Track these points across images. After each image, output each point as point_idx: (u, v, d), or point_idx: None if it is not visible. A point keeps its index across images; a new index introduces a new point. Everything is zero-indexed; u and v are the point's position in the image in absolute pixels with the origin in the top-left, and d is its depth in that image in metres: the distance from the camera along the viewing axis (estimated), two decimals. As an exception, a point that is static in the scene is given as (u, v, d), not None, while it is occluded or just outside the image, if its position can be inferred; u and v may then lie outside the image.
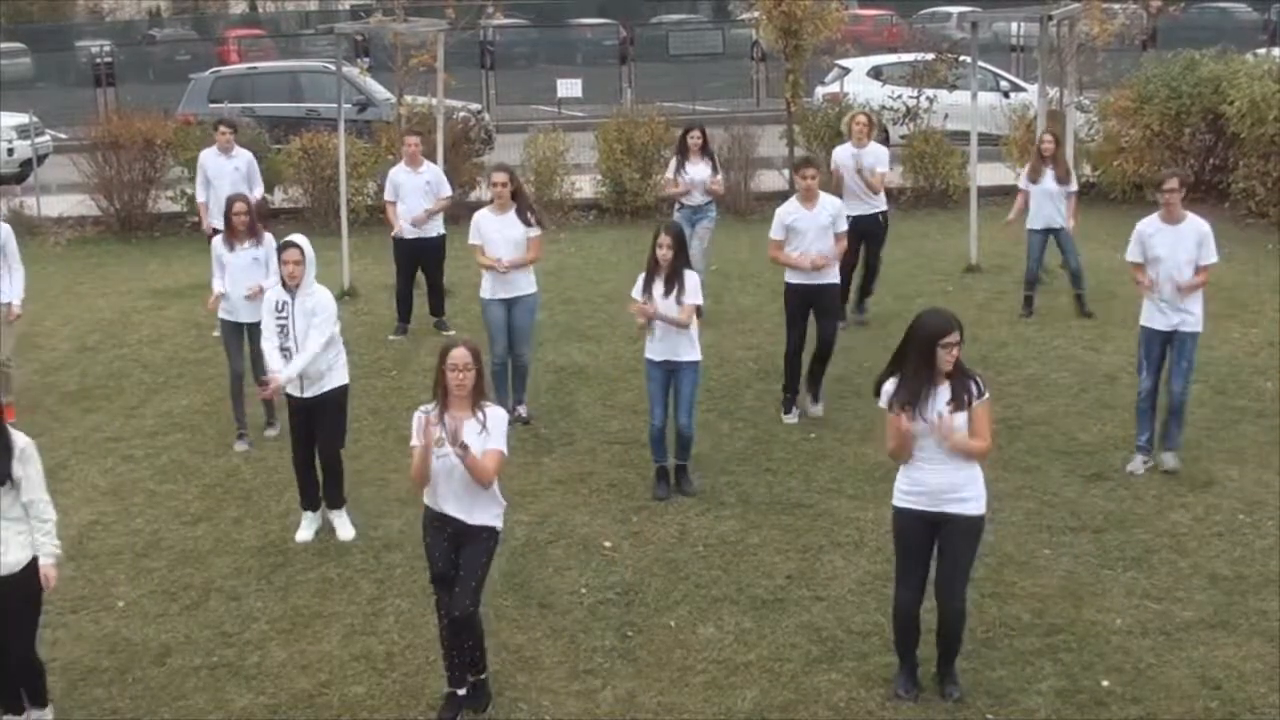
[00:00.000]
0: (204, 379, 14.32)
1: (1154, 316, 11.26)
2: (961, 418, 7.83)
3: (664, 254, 10.84)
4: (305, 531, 10.72)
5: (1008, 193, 16.27)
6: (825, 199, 12.61)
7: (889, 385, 7.99)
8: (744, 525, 10.59)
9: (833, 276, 12.69)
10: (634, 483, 11.42)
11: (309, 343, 10.31)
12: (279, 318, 10.39)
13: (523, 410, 12.93)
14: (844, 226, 12.67)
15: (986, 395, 7.95)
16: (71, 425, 13.31)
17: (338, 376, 10.61)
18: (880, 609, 8.96)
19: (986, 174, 18.90)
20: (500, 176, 12.76)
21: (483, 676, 8.23)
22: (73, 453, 12.56)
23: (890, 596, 8.34)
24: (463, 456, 7.79)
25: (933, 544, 8.07)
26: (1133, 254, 11.31)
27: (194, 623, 9.37)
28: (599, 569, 9.95)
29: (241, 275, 12.36)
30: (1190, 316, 11.18)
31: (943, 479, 7.91)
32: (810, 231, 12.43)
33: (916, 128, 23.52)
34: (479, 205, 17.16)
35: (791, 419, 12.77)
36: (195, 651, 9.00)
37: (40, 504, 7.71)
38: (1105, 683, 8.27)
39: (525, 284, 12.80)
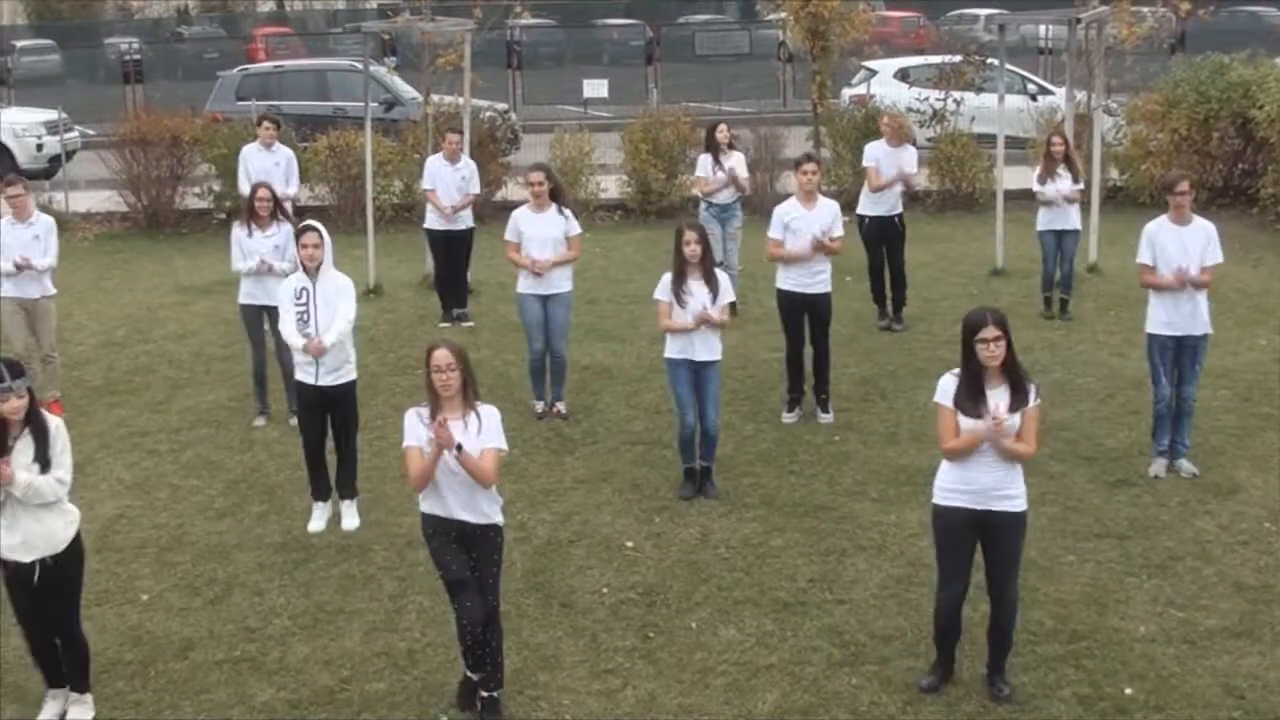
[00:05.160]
0: (229, 375, 14.36)
1: (1162, 324, 11.23)
2: (1014, 420, 7.83)
3: (692, 250, 10.81)
4: (317, 521, 10.81)
5: (1034, 196, 16.21)
6: (824, 200, 12.58)
7: (947, 381, 8.00)
8: (767, 527, 10.58)
9: (824, 286, 12.64)
10: (657, 483, 11.42)
11: (342, 314, 10.50)
12: (299, 304, 10.51)
13: (562, 406, 12.99)
14: (840, 230, 12.61)
15: (1038, 401, 7.96)
16: (97, 420, 13.37)
17: (351, 369, 10.75)
18: (902, 613, 8.95)
19: (1013, 177, 18.83)
20: (537, 175, 12.80)
21: (495, 695, 8.12)
22: (98, 447, 12.61)
23: (912, 601, 8.35)
24: (459, 457, 7.78)
25: (975, 543, 8.07)
26: (1144, 255, 11.27)
27: (217, 617, 9.40)
28: (621, 569, 9.95)
29: (265, 260, 12.58)
30: (1199, 323, 11.16)
31: (992, 477, 7.92)
32: (807, 233, 12.40)
33: (943, 130, 23.48)
34: (504, 204, 17.18)
35: (791, 418, 12.78)
36: (218, 646, 9.03)
37: (60, 473, 7.82)
38: (1128, 690, 8.24)
39: (562, 281, 12.85)
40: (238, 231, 12.75)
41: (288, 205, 16.28)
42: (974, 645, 8.52)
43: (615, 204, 23.14)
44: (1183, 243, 11.08)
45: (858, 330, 15.49)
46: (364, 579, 9.87)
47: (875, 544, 10.21)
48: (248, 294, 12.78)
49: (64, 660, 8.20)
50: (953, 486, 8.03)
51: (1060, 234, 15.64)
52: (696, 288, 10.88)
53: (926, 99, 24.01)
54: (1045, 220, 15.74)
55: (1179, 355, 11.28)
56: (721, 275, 10.99)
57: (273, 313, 11.96)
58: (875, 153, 15.71)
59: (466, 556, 8.02)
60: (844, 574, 9.79)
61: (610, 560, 10.09)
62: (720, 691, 8.37)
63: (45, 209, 22.90)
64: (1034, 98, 26.11)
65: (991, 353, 7.79)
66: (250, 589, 9.81)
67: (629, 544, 10.35)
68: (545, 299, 12.81)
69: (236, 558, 10.31)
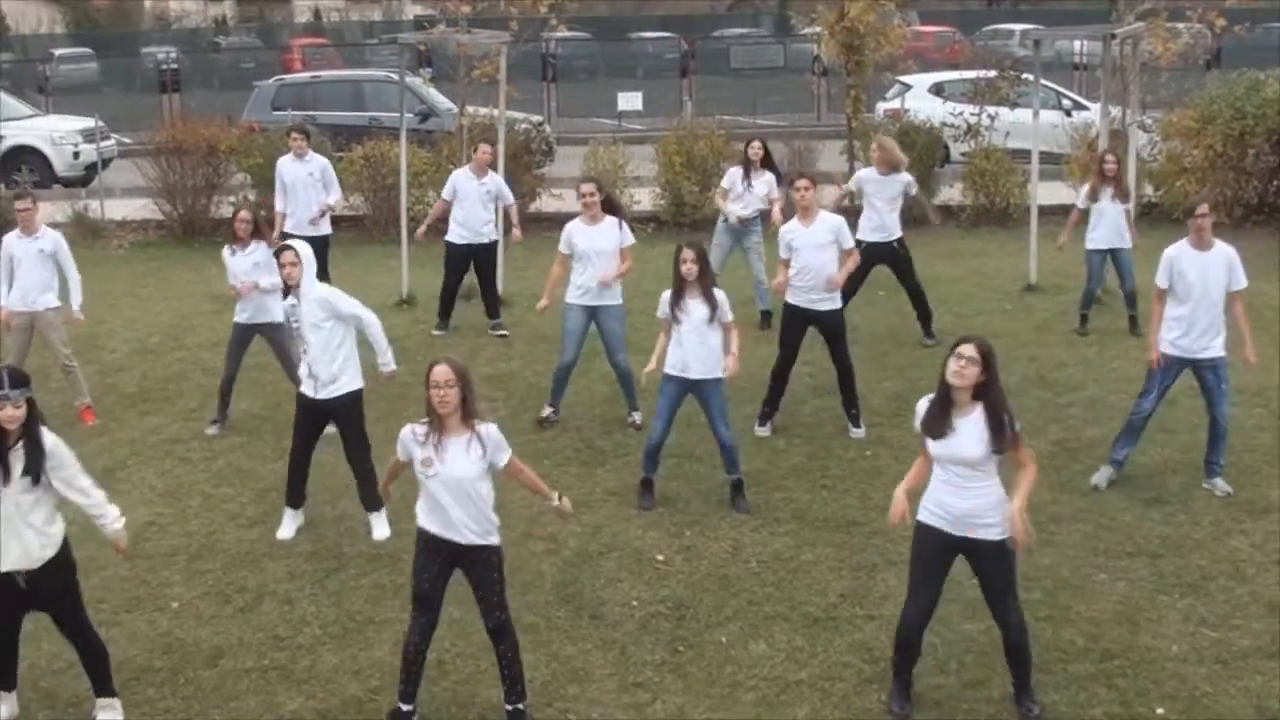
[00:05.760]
0: (262, 384, 14.39)
1: (1169, 343, 11.20)
2: (977, 453, 7.77)
3: (689, 269, 10.81)
4: (287, 529, 10.90)
5: (1069, 212, 16.17)
6: (824, 216, 12.54)
7: (921, 404, 7.97)
8: (798, 542, 10.55)
9: (833, 302, 12.60)
10: (688, 496, 11.41)
11: (364, 314, 10.62)
12: (292, 319, 10.70)
13: (636, 417, 13.00)
14: (849, 242, 12.58)
15: (1019, 430, 7.85)
16: (130, 427, 13.43)
17: (351, 381, 10.72)
18: (933, 629, 8.89)
19: (1047, 193, 18.79)
20: (588, 187, 12.86)
21: (520, 707, 8.11)
22: (131, 454, 12.67)
23: (942, 617, 8.30)
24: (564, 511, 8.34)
25: (949, 565, 8.04)
26: (1161, 280, 11.21)
27: (247, 625, 9.42)
28: (651, 582, 9.94)
29: (244, 278, 12.90)
30: (1212, 346, 11.12)
31: (966, 504, 7.85)
32: (807, 250, 12.37)
33: (978, 145, 23.43)
34: (538, 216, 17.20)
35: (764, 432, 12.76)
36: (247, 654, 9.04)
37: (86, 488, 8.04)
38: (1160, 710, 8.19)
39: (612, 294, 12.84)
40: (225, 253, 13.16)
41: (327, 213, 16.42)
42: (1003, 661, 8.49)
43: (648, 216, 23.16)
44: (1203, 268, 11.03)
45: (890, 346, 15.45)
46: (394, 589, 9.87)
47: (906, 559, 10.05)
48: (241, 311, 13.13)
49: (84, 665, 8.24)
50: (933, 509, 7.99)
51: (1111, 253, 15.55)
52: (694, 305, 10.87)
53: (961, 114, 24.00)
54: (1095, 239, 15.65)
55: (1199, 379, 11.26)
56: (720, 294, 10.96)
57: (264, 330, 12.67)
58: (863, 180, 15.56)
59: (444, 577, 8.04)
60: (875, 589, 9.76)
61: (640, 573, 10.08)
62: (750, 707, 8.35)
63: (81, 216, 23.20)
64: (1069, 113, 26.04)
65: (960, 371, 7.69)
66: (280, 597, 9.83)
67: (659, 557, 10.34)
68: (593, 310, 12.83)
69: (267, 566, 10.34)
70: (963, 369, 7.69)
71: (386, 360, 10.81)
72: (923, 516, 8.03)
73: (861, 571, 10.02)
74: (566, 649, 9.02)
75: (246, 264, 12.91)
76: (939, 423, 7.81)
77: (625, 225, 12.93)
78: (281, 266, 10.59)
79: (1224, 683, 8.47)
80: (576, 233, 12.79)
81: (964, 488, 7.83)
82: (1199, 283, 11.00)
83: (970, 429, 7.76)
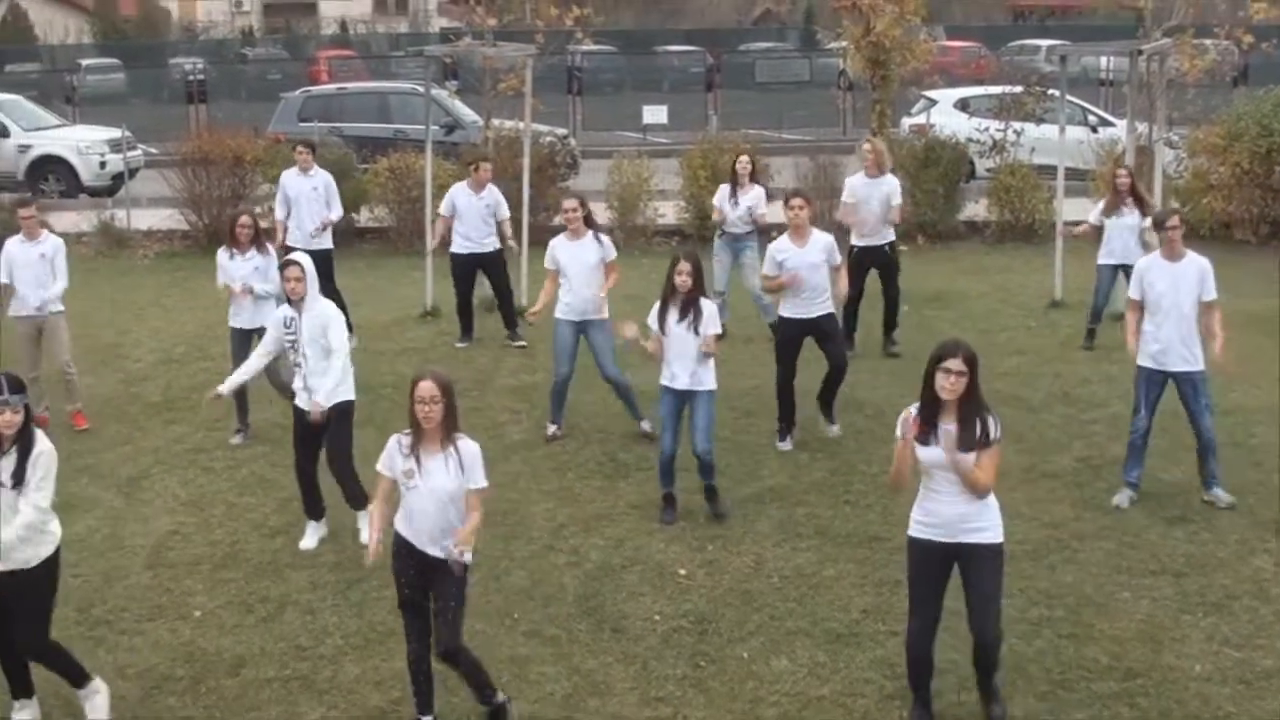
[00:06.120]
0: (286, 394, 14.42)
1: (1149, 356, 11.20)
2: (969, 458, 7.76)
3: (683, 280, 10.84)
4: (309, 540, 10.91)
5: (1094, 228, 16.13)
6: (816, 235, 12.55)
7: (907, 414, 7.94)
8: (820, 557, 10.53)
9: (826, 306, 12.64)
10: (710, 511, 11.39)
11: (337, 342, 10.58)
12: (288, 333, 10.68)
13: (646, 425, 13.03)
14: (839, 259, 12.67)
15: (998, 437, 7.83)
16: (154, 436, 13.47)
17: (344, 391, 10.75)
18: (955, 646, 8.86)
19: (1073, 209, 18.72)
20: (571, 203, 13.07)
21: (499, 700, 8.18)
22: (154, 463, 12.71)
23: (964, 634, 8.24)
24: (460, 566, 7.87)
25: (948, 575, 8.02)
26: (1133, 291, 11.29)
27: (269, 635, 9.43)
28: (673, 596, 9.92)
29: (241, 282, 13.06)
30: (1191, 357, 11.12)
31: (956, 510, 7.86)
32: (802, 269, 12.39)
33: (1003, 161, 23.40)
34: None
35: (785, 446, 12.76)
36: (269, 663, 9.06)
37: (38, 500, 7.88)
38: (1183, 728, 8.16)
39: (597, 308, 12.92)
40: (221, 254, 13.29)
41: (328, 228, 16.46)
42: (1025, 678, 8.46)
43: (673, 229, 23.18)
44: (1174, 279, 11.05)
45: (914, 363, 15.37)
46: (416, 600, 9.87)
47: (929, 576, 10.15)
48: (235, 316, 13.22)
49: (53, 670, 8.26)
50: (922, 519, 7.99)
51: (1123, 268, 15.49)
52: (680, 316, 10.90)
53: (986, 129, 23.98)
54: (1107, 254, 15.62)
55: (1180, 394, 11.26)
56: (708, 305, 10.98)
57: (262, 334, 12.26)
58: (854, 186, 15.57)
59: (423, 583, 8.02)
60: (897, 605, 9.71)
61: (663, 587, 10.07)
62: (771, 721, 8.34)
63: (107, 226, 23.29)
64: (1095, 129, 25.98)
65: (950, 385, 7.71)
66: (303, 607, 9.84)
67: (682, 571, 10.32)
68: (580, 325, 12.92)
69: (290, 576, 10.35)
70: (954, 385, 7.72)
71: (324, 394, 10.58)
72: (914, 531, 8.04)
73: (884, 587, 9.99)
74: (588, 662, 9.01)
75: (245, 268, 13.08)
76: (927, 432, 7.82)
77: (606, 239, 13.08)
78: (286, 281, 10.63)
79: (1247, 703, 8.42)
80: (560, 248, 12.94)
81: (955, 493, 7.84)
82: (1169, 293, 11.02)
83: (954, 432, 7.79)
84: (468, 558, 7.90)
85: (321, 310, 10.64)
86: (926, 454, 7.84)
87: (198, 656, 9.18)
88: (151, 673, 8.85)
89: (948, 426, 7.79)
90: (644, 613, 9.68)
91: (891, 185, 15.41)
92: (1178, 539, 10.75)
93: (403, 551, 8.05)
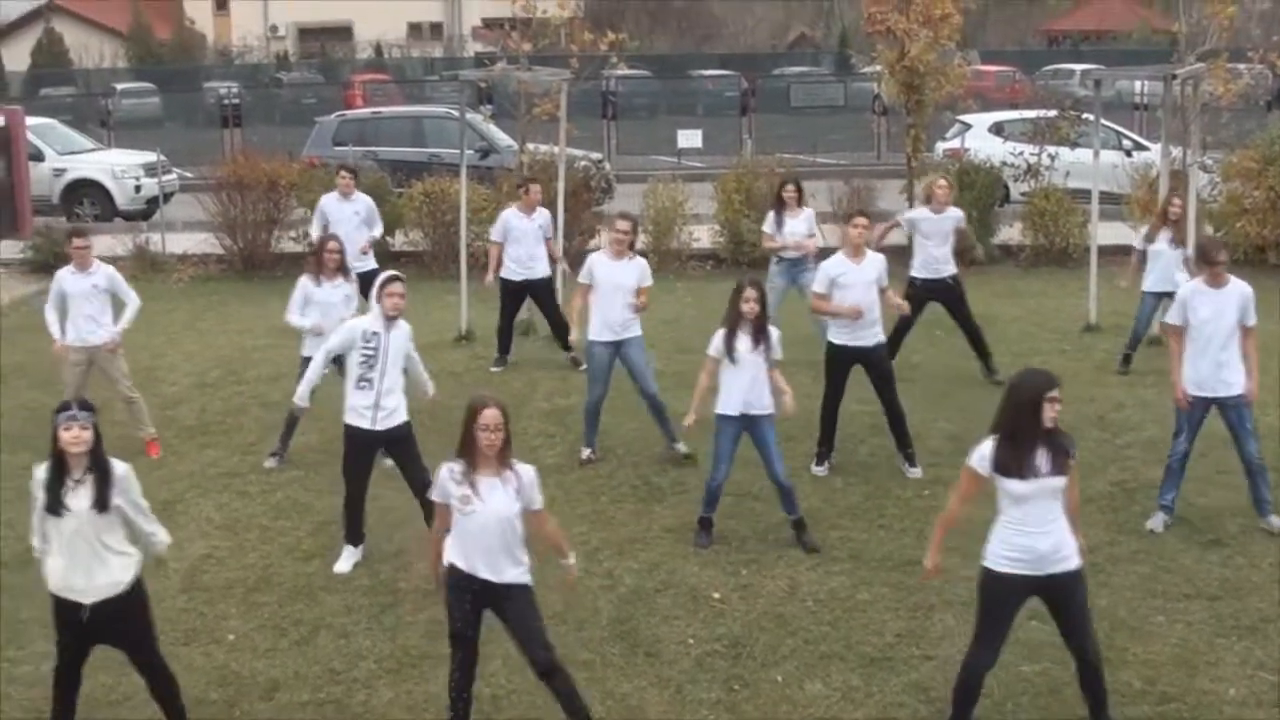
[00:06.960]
0: (320, 418, 14.39)
1: (1192, 383, 11.19)
2: (1063, 480, 7.81)
3: (751, 308, 10.83)
4: (344, 564, 10.93)
5: (1129, 252, 16.10)
6: (871, 255, 12.56)
7: (985, 447, 7.89)
8: (854, 581, 10.50)
9: (878, 337, 12.62)
10: (744, 534, 11.38)
11: (417, 356, 10.99)
12: (366, 348, 10.63)
13: (681, 447, 13.06)
14: (886, 281, 12.64)
15: (1075, 453, 7.93)
16: (188, 460, 13.52)
17: (405, 409, 10.85)
18: (990, 670, 8.83)
19: (1107, 233, 18.69)
20: (625, 224, 13.04)
21: None
22: (189, 487, 12.75)
23: (1001, 659, 8.22)
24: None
25: (1021, 608, 8.02)
26: (1174, 317, 11.27)
27: (303, 659, 9.45)
28: (707, 620, 9.91)
29: (334, 311, 12.72)
30: (1233, 384, 11.10)
31: (1049, 542, 7.84)
32: (857, 287, 12.38)
33: (1037, 185, 23.36)
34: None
35: (821, 471, 12.74)
36: (303, 687, 9.07)
37: (146, 510, 8.13)
38: (1221, 755, 8.11)
39: (632, 325, 13.00)
40: (306, 284, 12.96)
41: (371, 248, 16.48)
42: (1060, 702, 8.42)
43: (707, 254, 23.20)
44: (1217, 306, 11.05)
45: (949, 386, 15.37)
46: (449, 624, 9.87)
47: (963, 599, 10.08)
48: (311, 347, 12.81)
49: (154, 696, 8.27)
50: (1010, 554, 7.90)
51: (1166, 296, 15.42)
52: (749, 343, 10.89)
53: (1021, 153, 23.95)
54: (1151, 282, 15.59)
55: (1224, 419, 11.26)
56: (774, 331, 10.99)
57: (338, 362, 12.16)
58: (917, 219, 15.58)
59: (477, 615, 8.05)
60: (931, 630, 9.70)
61: (696, 611, 10.06)
62: (804, 746, 8.31)
63: (142, 250, 23.42)
64: (1129, 153, 25.94)
65: (1056, 413, 7.75)
66: (337, 631, 9.85)
67: (716, 595, 10.31)
68: (615, 345, 12.96)
69: (324, 600, 10.37)
70: (1058, 413, 7.77)
71: (428, 387, 11.31)
72: (997, 565, 7.94)
73: (919, 611, 9.96)
74: (622, 686, 9.00)
75: (336, 296, 12.86)
76: (1024, 464, 7.77)
77: (644, 264, 13.17)
78: (389, 296, 10.64)
79: (1285, 729, 8.38)
80: (599, 265, 12.95)
81: (1045, 524, 7.81)
82: (1212, 319, 11.03)
83: (1047, 460, 7.78)
84: (574, 560, 8.35)
85: (406, 328, 10.75)
86: (1023, 488, 7.79)
87: (231, 680, 9.20)
88: (186, 696, 8.86)
89: (1041, 461, 7.77)
90: (678, 636, 9.67)
91: (956, 217, 15.42)
92: (1212, 563, 10.69)
93: (459, 585, 8.01)
